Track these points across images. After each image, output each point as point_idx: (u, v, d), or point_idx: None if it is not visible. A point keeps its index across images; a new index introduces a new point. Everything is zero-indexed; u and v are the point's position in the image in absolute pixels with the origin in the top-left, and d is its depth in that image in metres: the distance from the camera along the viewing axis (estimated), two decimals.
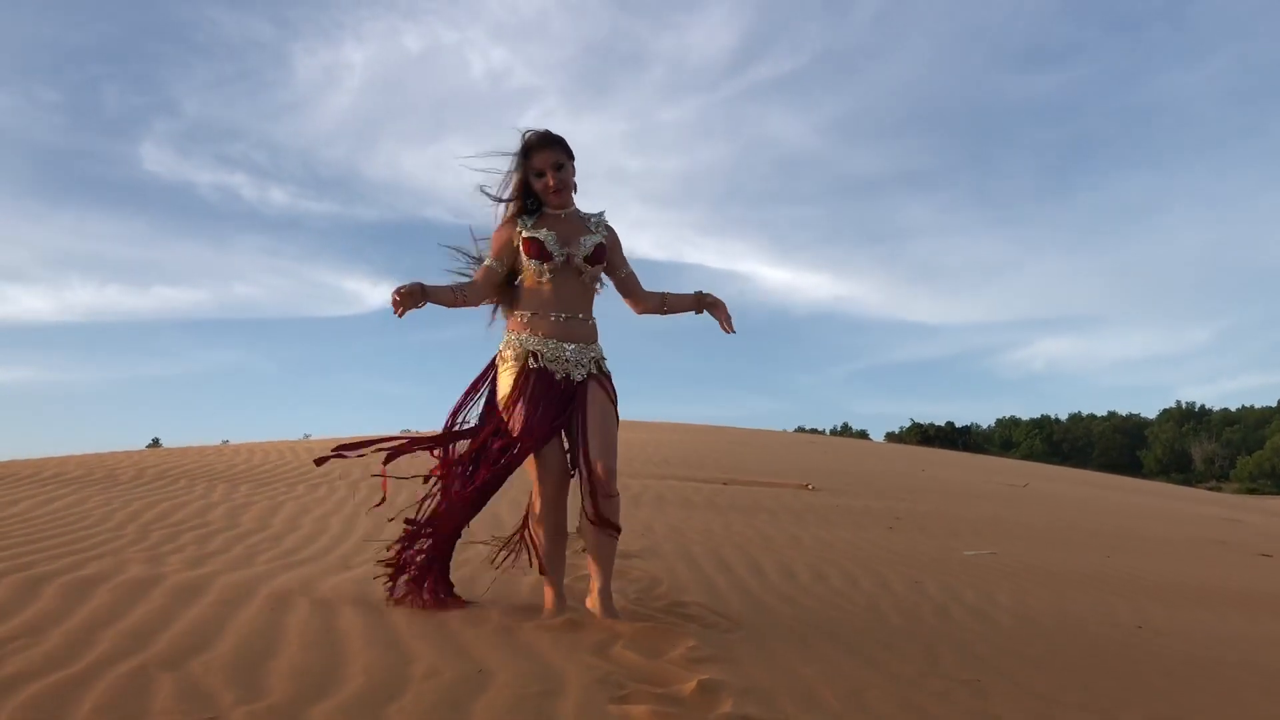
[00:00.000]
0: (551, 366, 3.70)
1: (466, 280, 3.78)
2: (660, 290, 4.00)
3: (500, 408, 3.74)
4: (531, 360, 3.69)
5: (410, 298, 3.51)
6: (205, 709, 2.51)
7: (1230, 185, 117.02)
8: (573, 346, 3.75)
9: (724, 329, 3.96)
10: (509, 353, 3.75)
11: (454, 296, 3.68)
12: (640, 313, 4.01)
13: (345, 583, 4.16)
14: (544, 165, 3.74)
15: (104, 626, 3.20)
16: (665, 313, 4.00)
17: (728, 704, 2.79)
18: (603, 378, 3.81)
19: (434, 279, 3.66)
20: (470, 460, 3.75)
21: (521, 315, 3.77)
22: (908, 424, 62.31)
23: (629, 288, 3.97)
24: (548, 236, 3.72)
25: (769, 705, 2.85)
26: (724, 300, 3.97)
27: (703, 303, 3.98)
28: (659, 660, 3.19)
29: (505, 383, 3.73)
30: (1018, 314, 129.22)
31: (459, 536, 3.80)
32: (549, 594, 3.81)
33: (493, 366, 3.84)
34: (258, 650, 3.04)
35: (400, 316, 3.50)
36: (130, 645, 3.00)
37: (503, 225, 3.81)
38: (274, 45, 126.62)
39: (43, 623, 3.22)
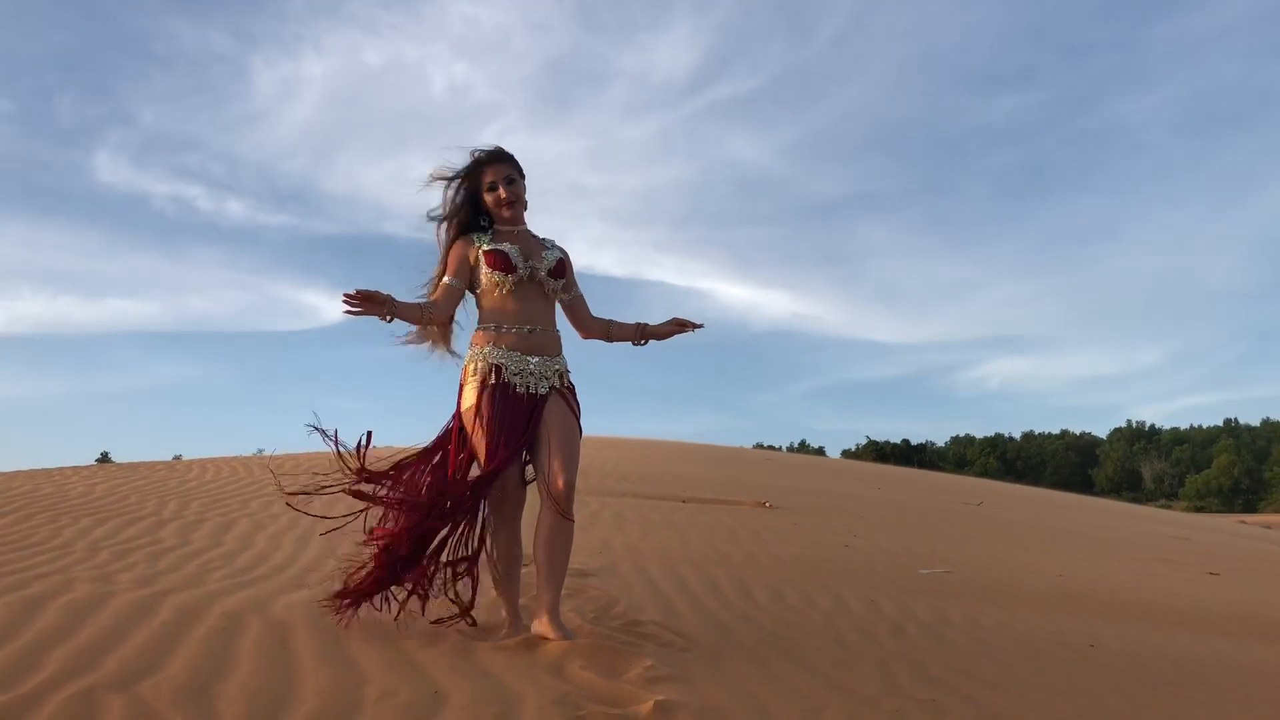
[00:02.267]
0: (514, 380, 3.68)
1: (427, 301, 3.75)
2: (605, 317, 4.01)
3: (462, 422, 3.71)
4: (493, 375, 3.67)
5: (375, 305, 3.43)
6: None
7: (1181, 211, 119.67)
8: (536, 359, 3.73)
9: (690, 329, 3.96)
10: (471, 367, 3.72)
11: (421, 314, 3.66)
12: (585, 337, 4.02)
13: (299, 602, 4.11)
14: (496, 177, 3.76)
15: (51, 647, 3.14)
16: (610, 340, 4.01)
17: None
18: (565, 391, 3.80)
19: (392, 293, 3.55)
20: (434, 485, 3.70)
21: (485, 329, 3.76)
22: (864, 441, 62.81)
23: (576, 311, 3.97)
24: (511, 249, 3.72)
25: None
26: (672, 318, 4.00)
27: (643, 333, 3.99)
28: (616, 680, 3.19)
29: (469, 397, 3.70)
30: (973, 334, 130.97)
31: (419, 562, 3.71)
32: (505, 614, 3.79)
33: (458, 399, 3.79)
34: (209, 671, 3.00)
35: (349, 313, 3.38)
36: (78, 666, 2.94)
37: (458, 242, 3.79)
38: (233, 57, 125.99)
39: None
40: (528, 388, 3.70)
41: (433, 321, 3.73)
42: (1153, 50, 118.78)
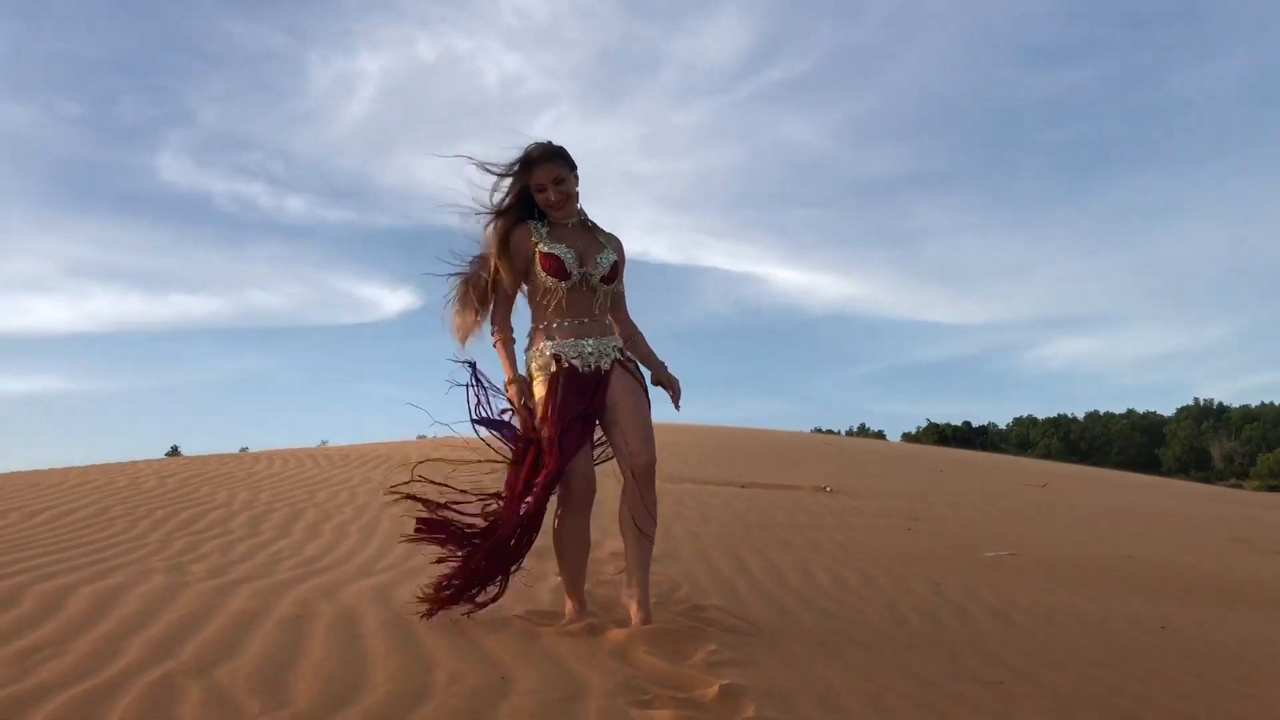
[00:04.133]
0: (575, 363, 3.70)
1: (504, 330, 3.78)
2: (638, 329, 3.99)
3: (539, 420, 3.70)
4: (554, 364, 3.70)
5: (524, 397, 3.66)
6: (231, 717, 2.53)
7: (1248, 183, 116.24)
8: (590, 340, 3.75)
9: (673, 405, 3.95)
10: (534, 365, 3.74)
11: (512, 344, 3.78)
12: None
13: (367, 590, 4.18)
14: (545, 179, 3.73)
15: (130, 635, 3.23)
16: (627, 349, 3.93)
17: (750, 708, 2.80)
18: (628, 363, 3.81)
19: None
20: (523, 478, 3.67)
21: (538, 328, 3.78)
22: (924, 424, 62.07)
23: (616, 305, 3.95)
24: (566, 254, 3.72)
25: (790, 709, 2.85)
26: (679, 381, 3.94)
27: (660, 375, 3.94)
28: (680, 664, 3.20)
29: (539, 390, 3.71)
30: (1035, 313, 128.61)
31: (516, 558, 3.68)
32: (570, 600, 3.82)
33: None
34: (282, 658, 3.06)
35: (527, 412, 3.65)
36: (157, 655, 3.03)
37: (516, 232, 3.76)
38: (289, 55, 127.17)
39: (70, 632, 3.25)
40: (589, 365, 3.71)
41: (509, 334, 3.79)
42: (1216, 20, 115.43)
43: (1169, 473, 65.15)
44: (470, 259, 3.86)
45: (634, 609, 3.67)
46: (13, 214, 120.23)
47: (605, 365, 3.74)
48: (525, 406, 3.66)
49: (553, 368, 3.69)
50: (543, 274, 3.71)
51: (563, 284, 3.71)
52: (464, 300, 3.83)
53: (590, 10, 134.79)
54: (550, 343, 3.73)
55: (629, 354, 3.86)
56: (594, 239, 3.83)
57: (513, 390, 3.67)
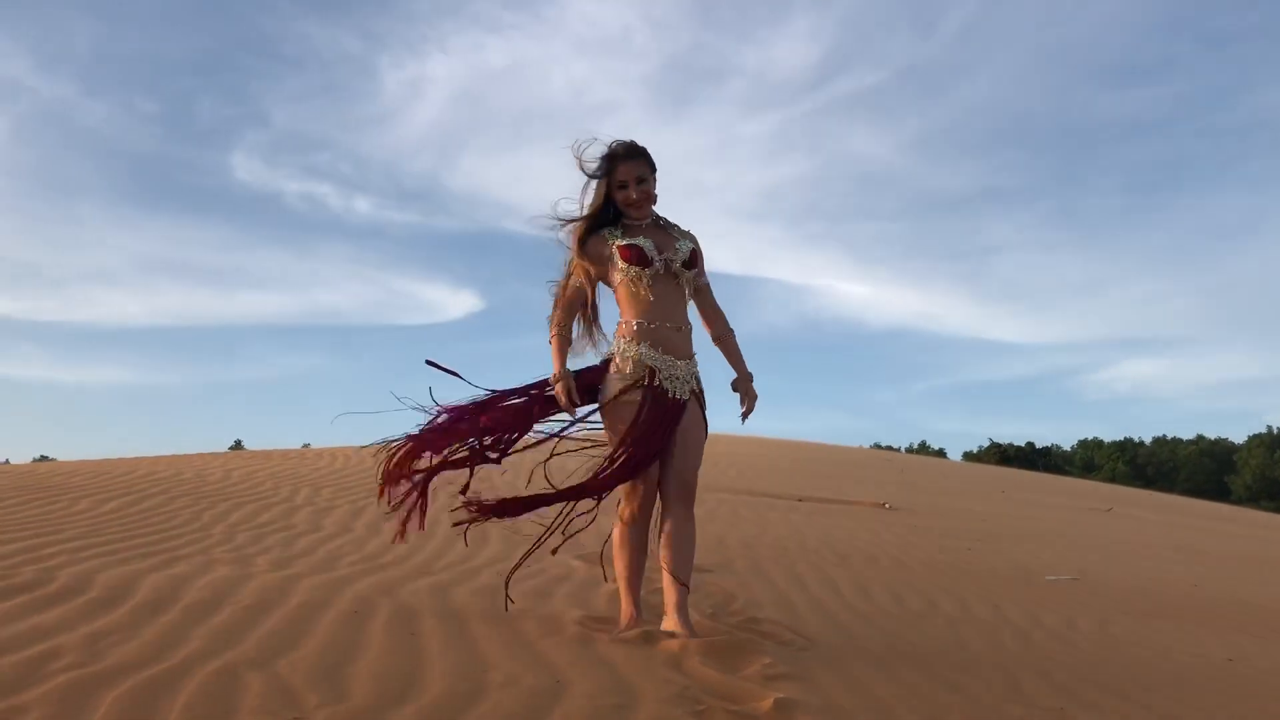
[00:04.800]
0: (667, 385, 3.71)
1: (561, 329, 3.83)
2: (729, 326, 3.99)
3: (603, 410, 3.76)
4: (648, 378, 3.70)
5: (570, 394, 3.72)
6: (291, 709, 2.56)
7: None
8: (683, 363, 3.76)
9: (742, 417, 3.96)
10: (628, 365, 3.72)
11: (562, 345, 3.82)
12: (704, 322, 3.99)
13: (425, 588, 4.22)
14: (627, 177, 3.77)
15: (194, 625, 3.30)
16: (715, 343, 3.98)
17: None
18: (699, 394, 3.83)
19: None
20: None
21: (628, 324, 3.78)
22: (986, 443, 61.27)
23: (702, 296, 3.96)
24: (645, 243, 3.74)
25: None
26: (757, 396, 3.94)
27: (743, 384, 3.94)
28: (735, 676, 3.18)
29: (613, 389, 3.73)
30: (1103, 334, 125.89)
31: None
32: (626, 607, 3.81)
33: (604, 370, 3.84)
34: (341, 653, 3.10)
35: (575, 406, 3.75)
36: (220, 644, 3.08)
37: (591, 239, 3.80)
38: (361, 58, 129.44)
39: (137, 618, 3.32)
40: (674, 392, 3.72)
41: (566, 334, 3.83)
42: None
43: (1239, 501, 63.47)
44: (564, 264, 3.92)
45: (670, 620, 3.66)
46: (89, 208, 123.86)
47: (684, 395, 3.75)
48: (571, 403, 3.72)
49: (645, 381, 3.70)
50: (624, 265, 3.72)
51: (646, 271, 3.72)
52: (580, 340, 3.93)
53: (660, 19, 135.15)
54: (647, 349, 3.72)
55: (701, 384, 3.85)
56: (669, 235, 3.85)
57: (560, 387, 3.72)
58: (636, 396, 3.68)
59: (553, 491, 3.74)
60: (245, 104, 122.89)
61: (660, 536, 3.74)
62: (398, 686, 2.82)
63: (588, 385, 3.82)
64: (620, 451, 3.66)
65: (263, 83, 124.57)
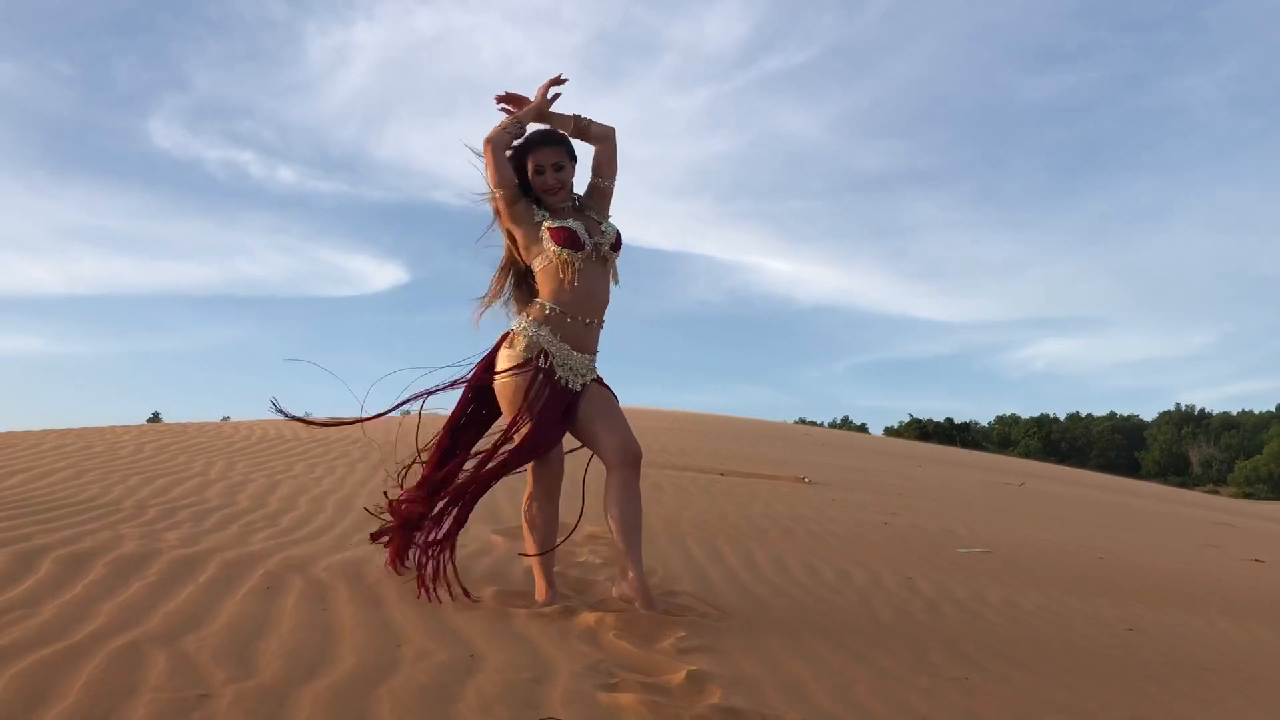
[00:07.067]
0: (560, 373, 3.70)
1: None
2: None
3: (495, 388, 3.75)
4: (541, 359, 3.69)
5: (519, 110, 3.80)
6: (196, 686, 2.53)
7: (1238, 191, 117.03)
8: (580, 355, 3.76)
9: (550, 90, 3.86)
10: (520, 343, 3.71)
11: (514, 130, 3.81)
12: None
13: (339, 563, 4.18)
14: (545, 163, 3.75)
15: (99, 601, 3.23)
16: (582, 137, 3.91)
17: (715, 695, 2.81)
18: (596, 381, 3.85)
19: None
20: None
21: (540, 306, 3.75)
22: (906, 419, 62.20)
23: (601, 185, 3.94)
24: (576, 225, 3.73)
25: (756, 697, 2.87)
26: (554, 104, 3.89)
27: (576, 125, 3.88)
28: (649, 650, 3.22)
29: (505, 363, 3.72)
30: (1021, 313, 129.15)
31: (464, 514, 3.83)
32: (541, 582, 3.83)
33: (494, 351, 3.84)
34: (250, 629, 3.07)
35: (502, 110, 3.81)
36: (125, 620, 3.03)
37: (521, 203, 3.77)
38: (286, 24, 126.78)
39: (39, 595, 3.25)
40: (567, 382, 3.72)
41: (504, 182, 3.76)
42: (1213, 27, 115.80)
43: (1148, 476, 65.54)
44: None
45: (628, 585, 3.71)
46: (1, 173, 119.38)
47: (577, 387, 3.75)
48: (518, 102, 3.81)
49: (536, 360, 3.68)
50: (556, 247, 3.70)
51: (578, 255, 3.70)
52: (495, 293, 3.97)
53: None
54: (546, 333, 3.70)
55: (598, 375, 3.88)
56: (591, 219, 3.85)
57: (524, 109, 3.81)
58: (526, 375, 3.67)
59: (454, 488, 3.75)
60: (166, 68, 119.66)
61: (607, 505, 3.72)
62: (308, 662, 2.80)
63: (487, 364, 3.83)
64: (513, 430, 3.70)
65: (184, 45, 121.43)
